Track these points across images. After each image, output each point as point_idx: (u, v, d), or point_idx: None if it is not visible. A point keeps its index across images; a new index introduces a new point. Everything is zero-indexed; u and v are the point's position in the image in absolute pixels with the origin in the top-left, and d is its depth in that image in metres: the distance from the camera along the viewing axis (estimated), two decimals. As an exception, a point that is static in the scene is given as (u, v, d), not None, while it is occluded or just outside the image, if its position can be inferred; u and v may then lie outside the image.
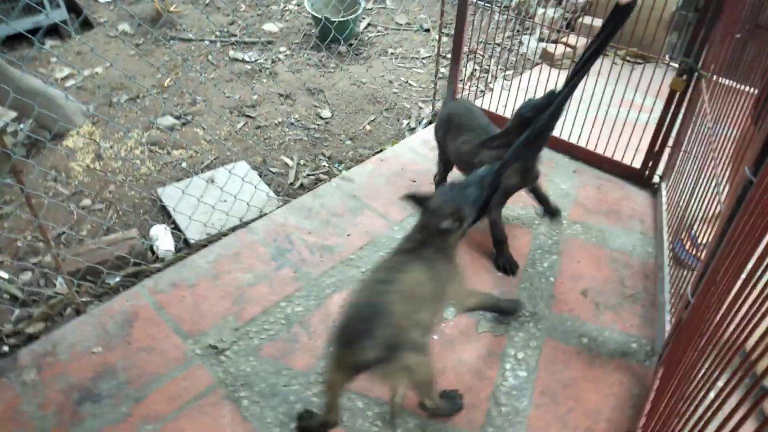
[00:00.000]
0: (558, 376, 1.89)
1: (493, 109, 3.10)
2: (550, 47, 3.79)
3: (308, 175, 2.93)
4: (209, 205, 2.54)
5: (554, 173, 2.83)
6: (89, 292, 2.26)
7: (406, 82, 3.75)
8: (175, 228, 2.57)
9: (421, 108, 3.48)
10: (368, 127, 3.31)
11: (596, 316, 2.10)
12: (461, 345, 1.99)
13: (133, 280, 2.32)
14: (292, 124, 3.30)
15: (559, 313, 2.11)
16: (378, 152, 3.04)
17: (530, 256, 2.35)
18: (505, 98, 3.05)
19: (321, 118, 3.37)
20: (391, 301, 1.44)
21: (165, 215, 2.64)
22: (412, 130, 3.28)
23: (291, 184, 2.87)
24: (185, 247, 2.48)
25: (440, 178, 2.62)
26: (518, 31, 4.17)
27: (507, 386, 1.86)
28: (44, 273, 2.36)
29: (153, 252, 2.45)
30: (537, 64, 3.78)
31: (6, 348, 2.06)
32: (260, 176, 2.86)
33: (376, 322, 1.39)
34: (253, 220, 2.56)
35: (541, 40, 3.99)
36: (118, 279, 2.32)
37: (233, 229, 2.53)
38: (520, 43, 4.08)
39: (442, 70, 3.62)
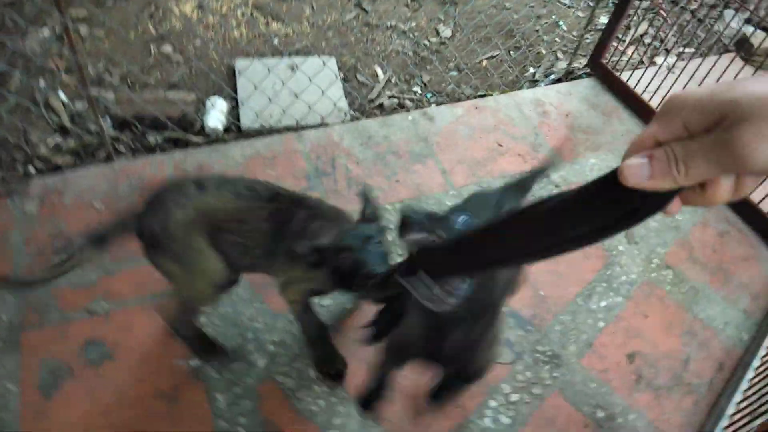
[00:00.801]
0: (544, 443, 1.54)
1: (639, 90, 2.49)
2: (756, 36, 2.93)
3: (393, 96, 2.58)
4: (274, 94, 2.31)
5: (675, 195, 2.25)
6: (127, 142, 2.19)
7: (557, 22, 3.12)
8: (235, 107, 2.39)
9: (557, 59, 2.89)
10: (484, 63, 2.82)
11: (631, 390, 1.68)
12: (453, 356, 1.68)
13: (170, 145, 2.21)
14: (404, 32, 2.90)
15: (588, 367, 1.71)
16: (479, 96, 2.60)
17: (589, 285, 1.90)
18: (660, 80, 2.41)
19: (438, 35, 2.92)
20: (182, 205, 1.31)
21: (231, 90, 2.46)
22: (533, 83, 2.75)
23: (371, 100, 2.55)
24: (234, 131, 2.32)
25: None
26: (725, 1, 3.28)
27: (479, 427, 1.55)
28: (98, 109, 2.32)
29: (201, 123, 2.31)
30: (728, 51, 2.96)
31: (32, 170, 2.07)
32: (343, 81, 2.56)
33: (155, 211, 1.32)
34: (308, 127, 2.31)
35: (748, 21, 3.11)
36: (157, 139, 2.22)
37: (287, 129, 2.30)
38: (720, 16, 3.22)
39: (602, 20, 2.96)
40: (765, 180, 2.10)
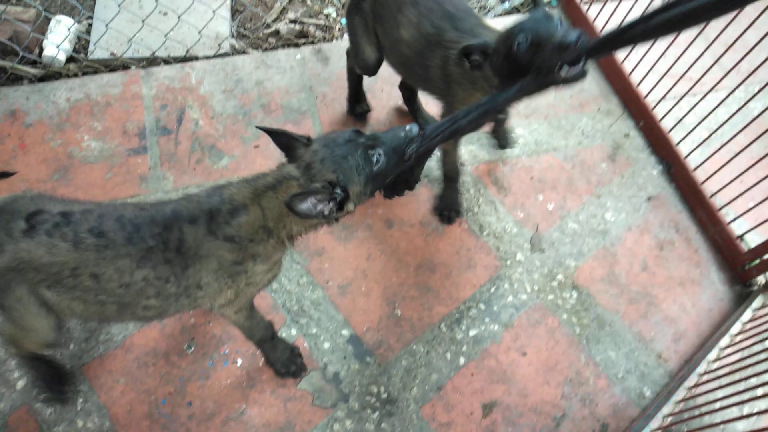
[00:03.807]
0: None
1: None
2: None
3: (296, 21, 2.05)
4: (139, 13, 1.84)
5: (617, 188, 1.75)
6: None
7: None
8: (88, 29, 1.93)
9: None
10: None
11: (474, 454, 1.35)
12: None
13: (-6, 78, 1.81)
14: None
15: (428, 419, 1.37)
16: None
17: (462, 306, 1.51)
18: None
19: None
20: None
21: (89, 9, 1.98)
22: (481, 9, 2.15)
23: (267, 24, 2.03)
24: (83, 59, 1.87)
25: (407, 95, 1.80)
26: None
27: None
28: None
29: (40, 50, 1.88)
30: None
31: None
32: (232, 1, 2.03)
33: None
34: (163, 61, 1.85)
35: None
36: (-22, 69, 1.81)
37: (142, 60, 1.85)
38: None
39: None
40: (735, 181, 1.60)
